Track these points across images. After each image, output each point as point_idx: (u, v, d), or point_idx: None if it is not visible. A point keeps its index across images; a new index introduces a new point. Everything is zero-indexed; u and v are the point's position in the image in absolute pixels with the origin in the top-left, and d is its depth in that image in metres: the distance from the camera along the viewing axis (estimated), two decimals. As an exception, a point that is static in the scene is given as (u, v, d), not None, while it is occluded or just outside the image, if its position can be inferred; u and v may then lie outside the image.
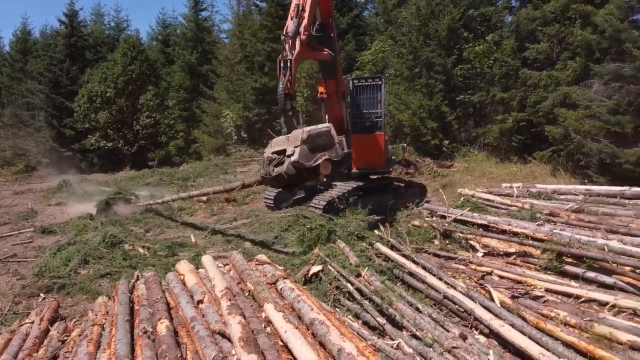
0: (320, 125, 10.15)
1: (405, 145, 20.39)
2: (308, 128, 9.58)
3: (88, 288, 8.13)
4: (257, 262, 7.13)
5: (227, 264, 7.39)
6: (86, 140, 33.01)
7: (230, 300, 5.18)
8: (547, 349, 4.98)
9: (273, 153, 9.78)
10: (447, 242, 9.20)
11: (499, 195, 11.45)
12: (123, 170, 31.35)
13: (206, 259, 7.17)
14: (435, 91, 21.20)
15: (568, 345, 5.10)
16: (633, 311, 5.78)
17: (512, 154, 19.51)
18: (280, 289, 6.03)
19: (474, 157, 20.12)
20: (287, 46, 9.61)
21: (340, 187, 13.06)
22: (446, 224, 9.73)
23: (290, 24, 9.96)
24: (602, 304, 6.09)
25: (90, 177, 27.96)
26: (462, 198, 11.88)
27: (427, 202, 13.40)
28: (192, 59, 33.31)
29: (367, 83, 13.54)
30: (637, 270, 6.49)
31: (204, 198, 15.38)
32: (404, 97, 21.82)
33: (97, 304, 6.70)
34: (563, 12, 17.83)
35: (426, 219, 10.63)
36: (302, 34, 9.85)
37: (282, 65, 9.49)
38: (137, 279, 7.14)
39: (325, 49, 11.70)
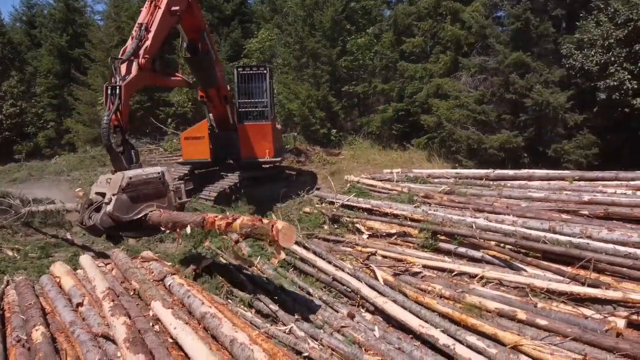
0: (150, 170, 8.53)
1: (296, 134, 20.74)
2: (132, 173, 8.00)
3: (-51, 297, 7.15)
4: (142, 259, 6.81)
5: (108, 263, 6.96)
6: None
7: (113, 300, 4.90)
8: (426, 321, 5.45)
9: (97, 193, 8.23)
10: (336, 226, 9.58)
11: (381, 180, 12.14)
12: (-15, 165, 27.77)
13: (84, 259, 6.68)
14: (322, 81, 21.74)
15: (444, 315, 5.62)
16: (499, 281, 6.51)
17: (392, 141, 20.79)
18: (169, 285, 5.85)
19: (359, 145, 21.06)
20: (117, 71, 8.36)
21: (232, 177, 12.93)
22: (334, 210, 10.11)
23: (128, 46, 8.69)
24: (472, 276, 6.78)
25: (-56, 174, 24.29)
26: (348, 184, 12.39)
27: (318, 189, 13.79)
28: (62, 41, 30.55)
29: (252, 72, 13.47)
30: (501, 244, 7.30)
31: (81, 193, 14.24)
32: (292, 86, 22.08)
33: (-39, 314, 5.93)
34: (435, 8, 19.32)
35: (316, 205, 10.94)
36: (141, 57, 8.52)
37: (109, 92, 8.11)
38: (7, 284, 6.47)
39: (178, 75, 10.90)
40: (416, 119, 19.27)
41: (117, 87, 8.09)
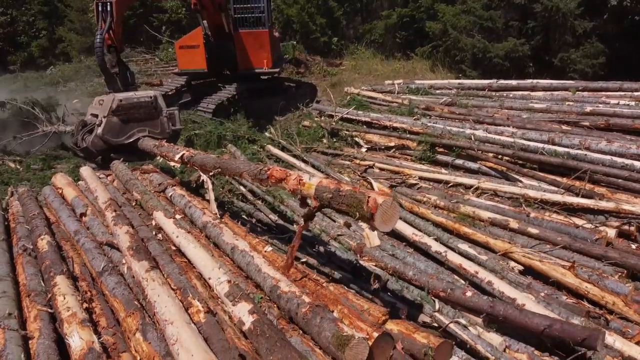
0: (142, 94, 8.30)
1: (295, 43, 19.95)
2: (122, 95, 7.76)
3: (-48, 209, 7.34)
4: (142, 171, 6.89)
5: (109, 175, 7.05)
6: None
7: (115, 211, 5.02)
8: (420, 230, 5.63)
9: (92, 115, 8.09)
10: (335, 140, 9.59)
11: (382, 92, 11.93)
12: (-22, 76, 27.24)
13: (85, 171, 6.75)
14: (323, -17, 20.53)
15: (437, 225, 5.79)
16: (494, 192, 6.64)
17: (396, 50, 20.08)
18: (170, 196, 5.97)
19: (361, 55, 20.38)
20: None
21: (229, 89, 12.67)
22: (333, 123, 10.04)
23: None
24: (468, 187, 6.91)
25: None
26: (348, 97, 12.20)
27: (318, 102, 13.55)
28: (46, -59, 28.37)
29: None
30: (499, 156, 7.34)
31: (79, 105, 14.09)
32: (291, -11, 20.89)
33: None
34: None
35: (315, 119, 10.86)
36: None
37: (99, 9, 7.68)
38: (11, 195, 6.61)
39: None
40: (421, 26, 18.46)
41: (108, 3, 7.68)
